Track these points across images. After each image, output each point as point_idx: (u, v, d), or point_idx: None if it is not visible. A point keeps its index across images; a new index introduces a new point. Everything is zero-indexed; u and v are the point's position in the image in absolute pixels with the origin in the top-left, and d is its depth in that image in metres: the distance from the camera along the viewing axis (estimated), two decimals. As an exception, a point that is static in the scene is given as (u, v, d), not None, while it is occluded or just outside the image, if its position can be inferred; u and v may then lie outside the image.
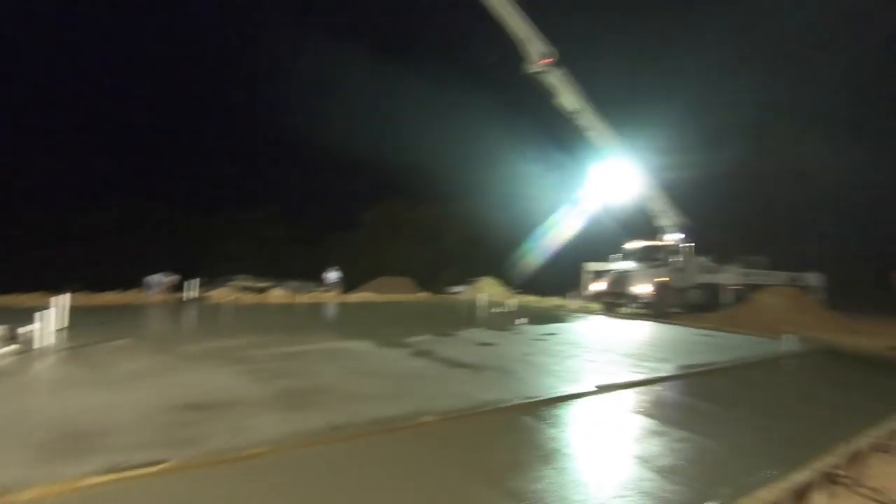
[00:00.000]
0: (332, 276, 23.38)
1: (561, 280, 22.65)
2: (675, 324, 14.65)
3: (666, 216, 19.06)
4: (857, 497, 3.61)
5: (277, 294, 19.50)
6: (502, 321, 13.03)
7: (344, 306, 18.02)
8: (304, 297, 19.79)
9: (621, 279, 17.47)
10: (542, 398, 5.52)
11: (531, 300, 21.73)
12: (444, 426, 4.53)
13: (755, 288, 17.71)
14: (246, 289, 19.77)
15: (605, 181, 19.02)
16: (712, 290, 18.41)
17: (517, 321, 12.69)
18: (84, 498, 2.96)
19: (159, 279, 17.37)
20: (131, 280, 17.47)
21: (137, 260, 22.34)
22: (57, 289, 11.70)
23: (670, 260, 17.46)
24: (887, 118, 29.09)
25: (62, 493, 2.96)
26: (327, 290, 22.55)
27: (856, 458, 4.06)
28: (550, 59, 15.87)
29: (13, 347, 7.07)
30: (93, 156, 41.10)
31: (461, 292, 25.11)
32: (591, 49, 26.90)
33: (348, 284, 23.93)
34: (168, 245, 32.25)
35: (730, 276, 19.05)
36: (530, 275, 26.70)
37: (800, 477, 3.51)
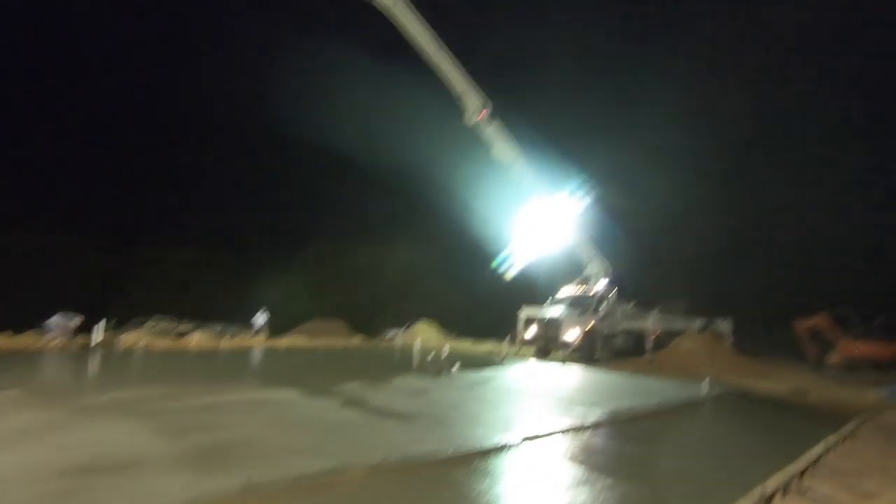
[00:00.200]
0: (261, 318, 22.26)
1: (497, 324, 22.92)
2: (602, 369, 15.18)
3: (593, 264, 20.06)
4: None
5: (199, 338, 18.20)
6: (437, 367, 12.88)
7: (272, 352, 17.09)
8: (229, 342, 18.61)
9: (552, 325, 17.97)
10: (473, 449, 5.44)
11: (467, 345, 21.73)
12: (372, 482, 4.32)
13: (674, 333, 18.83)
14: (162, 332, 18.31)
15: (539, 229, 19.83)
16: (636, 336, 19.35)
17: (451, 367, 12.60)
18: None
19: (60, 321, 15.66)
20: (26, 321, 15.63)
21: (34, 298, 20.08)
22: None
23: (598, 307, 18.26)
24: (800, 167, 32.81)
25: None
26: (255, 334, 21.38)
27: (770, 501, 4.28)
28: (485, 112, 16.66)
29: None
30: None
31: (397, 336, 24.69)
32: (524, 102, 28.61)
33: (278, 328, 22.83)
34: (72, 281, 29.26)
35: (651, 322, 20.16)
36: (467, 318, 26.82)
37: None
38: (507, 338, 21.53)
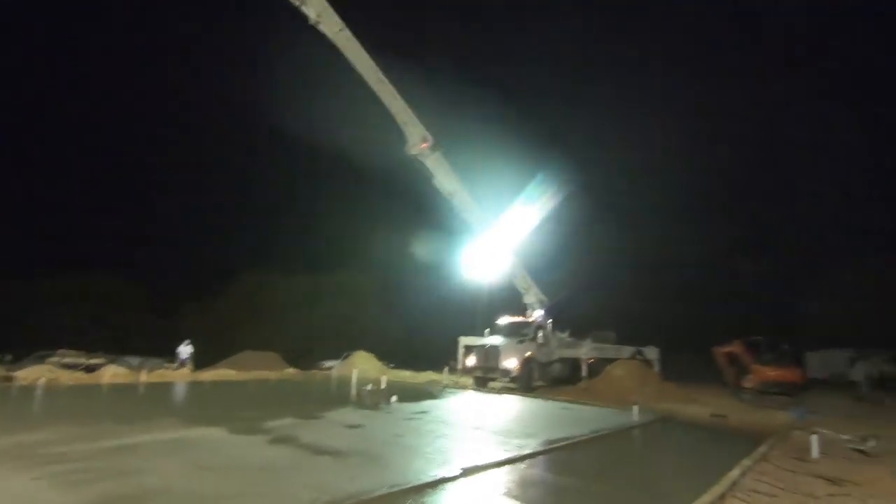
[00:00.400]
0: (185, 350, 20.81)
1: (436, 354, 22.79)
2: (539, 397, 15.42)
3: (530, 293, 20.55)
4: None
5: (113, 372, 16.68)
6: (374, 399, 12.54)
7: (196, 386, 15.96)
8: (149, 376, 17.18)
9: (491, 354, 18.11)
10: (408, 485, 5.28)
11: (406, 375, 21.38)
12: (300, 528, 4.06)
13: (606, 361, 19.56)
14: (69, 367, 16.64)
15: (479, 259, 20.13)
16: (572, 364, 19.91)
17: (389, 399, 12.31)
18: None
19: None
20: None
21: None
22: None
23: (535, 335, 18.65)
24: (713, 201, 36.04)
25: None
26: (178, 367, 19.92)
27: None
28: (427, 143, 16.94)
29: None
30: None
31: (333, 368, 23.87)
32: (466, 135, 29.37)
33: (204, 360, 21.43)
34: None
35: (585, 351, 20.83)
36: (406, 348, 26.50)
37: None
38: (446, 368, 21.44)
